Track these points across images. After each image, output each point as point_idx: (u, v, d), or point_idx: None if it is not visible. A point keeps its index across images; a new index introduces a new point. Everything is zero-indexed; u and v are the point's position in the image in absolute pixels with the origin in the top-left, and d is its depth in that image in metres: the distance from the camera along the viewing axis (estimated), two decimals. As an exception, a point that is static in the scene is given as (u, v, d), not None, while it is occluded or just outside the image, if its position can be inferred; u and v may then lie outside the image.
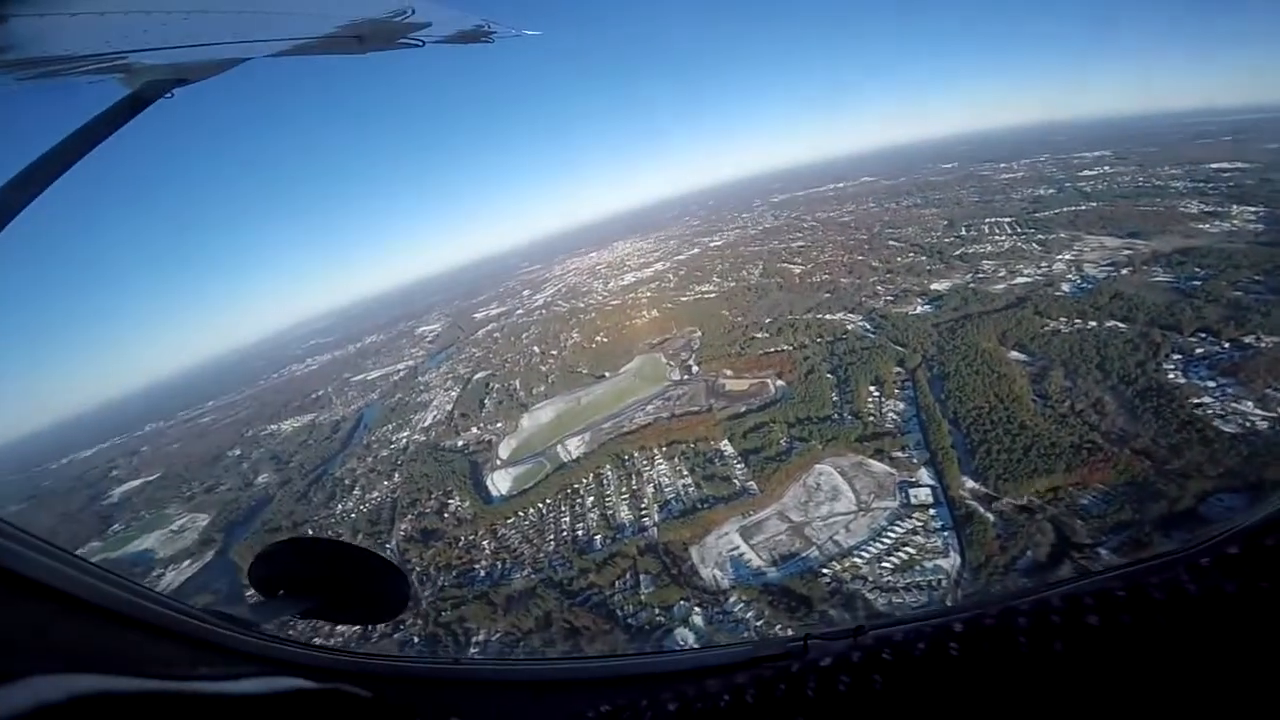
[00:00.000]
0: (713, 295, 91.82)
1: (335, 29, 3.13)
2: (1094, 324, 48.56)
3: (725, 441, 48.29)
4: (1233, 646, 0.66)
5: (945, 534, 33.99)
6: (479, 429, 68.22)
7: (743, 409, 52.83)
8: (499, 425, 67.42)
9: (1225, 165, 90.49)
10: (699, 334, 75.51)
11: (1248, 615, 0.67)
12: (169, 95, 2.44)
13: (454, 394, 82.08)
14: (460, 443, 65.43)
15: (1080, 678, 0.70)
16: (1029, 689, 0.72)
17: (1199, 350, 41.52)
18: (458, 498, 52.78)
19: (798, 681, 0.85)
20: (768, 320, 71.14)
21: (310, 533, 53.79)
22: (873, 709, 0.77)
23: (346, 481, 62.88)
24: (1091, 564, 28.65)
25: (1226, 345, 41.18)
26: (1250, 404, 35.35)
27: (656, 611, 34.74)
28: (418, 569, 44.35)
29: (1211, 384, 37.99)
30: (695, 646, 26.09)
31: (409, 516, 51.95)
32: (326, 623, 2.47)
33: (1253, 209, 66.18)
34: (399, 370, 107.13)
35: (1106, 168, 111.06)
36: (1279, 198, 67.87)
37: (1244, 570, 0.72)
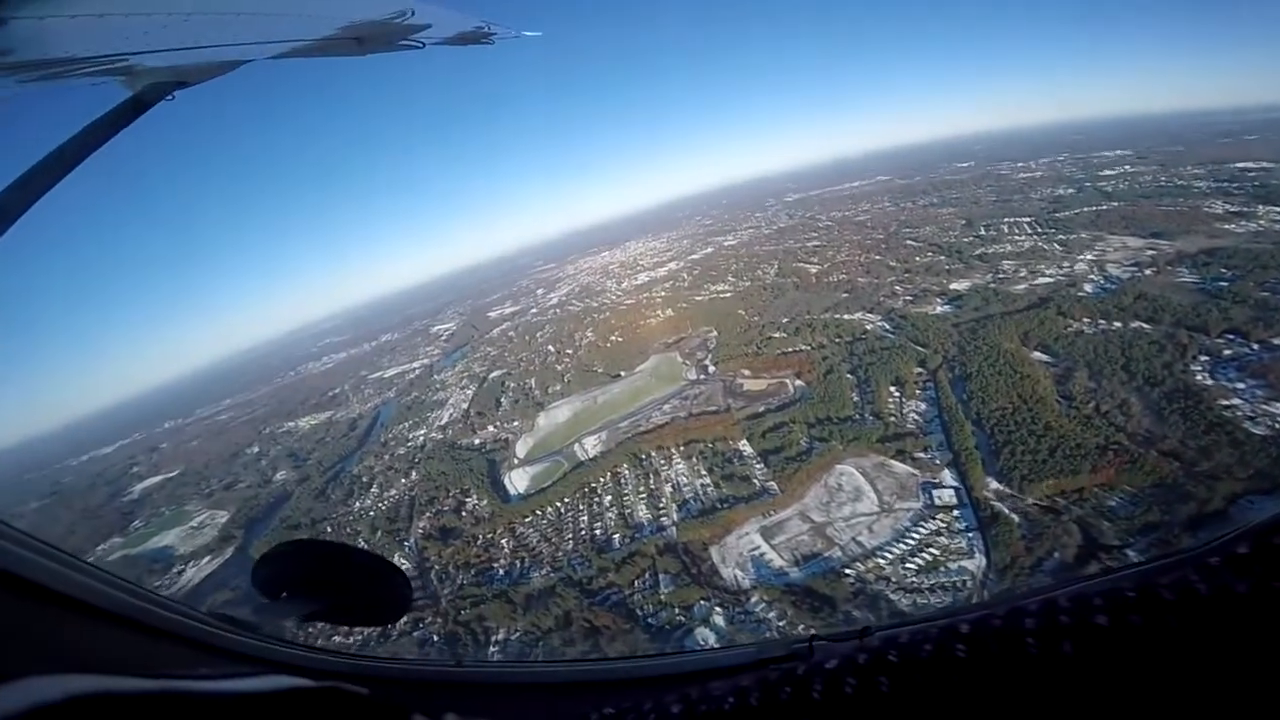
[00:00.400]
0: (728, 295, 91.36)
1: (335, 31, 3.12)
2: (1118, 325, 47.97)
3: (744, 441, 48.09)
4: (1244, 647, 0.64)
5: (970, 535, 33.70)
6: (495, 427, 68.35)
7: (761, 409, 52.59)
8: (515, 424, 67.56)
9: (1250, 165, 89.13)
10: (715, 334, 75.20)
11: (1259, 615, 0.66)
12: (170, 97, 2.43)
13: (470, 392, 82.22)
14: (477, 441, 65.64)
15: (1089, 679, 0.68)
16: (1037, 691, 0.70)
17: (1227, 351, 40.91)
18: (475, 496, 52.91)
19: (803, 684, 0.83)
20: (785, 320, 70.70)
21: (329, 530, 54.28)
22: (879, 711, 0.76)
23: (364, 479, 63.10)
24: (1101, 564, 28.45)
25: (1255, 346, 40.61)
26: (1281, 406, 34.82)
27: (677, 611, 34.59)
28: (436, 567, 44.49)
29: (1240, 385, 37.41)
30: (699, 648, 26.02)
31: (427, 514, 52.09)
32: (331, 625, 2.44)
33: (1279, 209, 65.18)
34: (414, 368, 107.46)
35: (1127, 167, 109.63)
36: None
37: (1254, 570, 0.71)
